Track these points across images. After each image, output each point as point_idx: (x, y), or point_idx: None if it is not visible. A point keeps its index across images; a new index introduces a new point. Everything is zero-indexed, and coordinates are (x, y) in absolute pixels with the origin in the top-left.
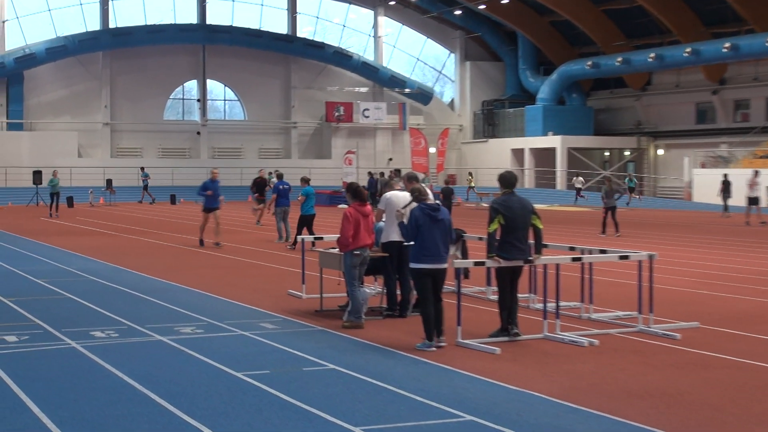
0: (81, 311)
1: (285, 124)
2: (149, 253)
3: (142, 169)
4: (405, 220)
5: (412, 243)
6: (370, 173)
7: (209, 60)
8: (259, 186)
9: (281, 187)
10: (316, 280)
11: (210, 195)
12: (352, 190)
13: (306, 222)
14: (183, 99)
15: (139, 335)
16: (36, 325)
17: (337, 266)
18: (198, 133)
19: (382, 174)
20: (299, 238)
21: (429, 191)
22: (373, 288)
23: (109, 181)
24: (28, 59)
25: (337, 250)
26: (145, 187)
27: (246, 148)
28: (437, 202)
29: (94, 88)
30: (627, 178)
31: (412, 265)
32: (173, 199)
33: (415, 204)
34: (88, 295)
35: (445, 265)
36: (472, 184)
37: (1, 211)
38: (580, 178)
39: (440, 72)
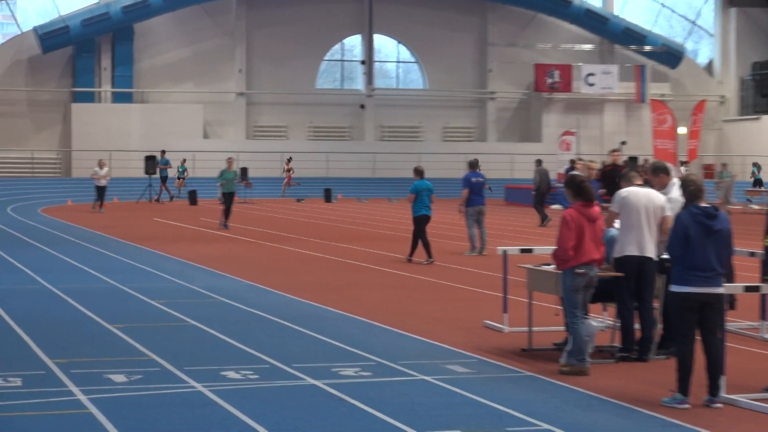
0: (209, 344)
1: (479, 95)
2: (297, 267)
3: (163, 152)
4: (616, 225)
5: (667, 257)
6: (571, 161)
7: (377, 8)
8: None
9: (474, 179)
10: (522, 308)
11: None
12: (574, 185)
13: (417, 226)
14: (342, 61)
15: (286, 377)
16: (151, 361)
17: (552, 289)
18: (362, 106)
19: (572, 162)
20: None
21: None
22: (601, 320)
23: (243, 171)
24: (140, 8)
25: (553, 267)
26: (163, 180)
27: (426, 127)
28: (713, 205)
29: (225, 46)
30: None
31: (674, 288)
32: (328, 196)
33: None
34: (217, 322)
35: (720, 290)
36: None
37: (105, 208)
38: None
39: (694, 23)
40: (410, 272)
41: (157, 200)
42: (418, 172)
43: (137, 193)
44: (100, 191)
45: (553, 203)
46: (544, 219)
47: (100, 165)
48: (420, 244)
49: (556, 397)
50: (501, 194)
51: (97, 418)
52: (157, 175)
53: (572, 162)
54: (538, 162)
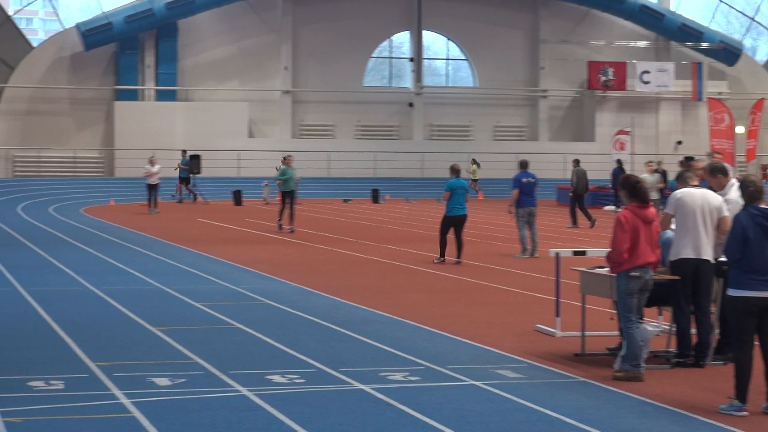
0: (254, 347)
1: (531, 93)
2: (345, 270)
3: (185, 152)
4: (672, 227)
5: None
6: (618, 162)
7: (426, 4)
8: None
9: (524, 180)
10: (575, 312)
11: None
12: (629, 185)
13: (450, 225)
14: (390, 58)
15: (333, 382)
16: (195, 365)
17: (606, 293)
18: (410, 104)
19: (619, 162)
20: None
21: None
22: (657, 325)
23: None
24: (184, 4)
25: (607, 270)
26: (183, 180)
27: (476, 126)
28: None
29: (271, 43)
30: None
31: (732, 292)
32: (376, 196)
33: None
34: (263, 325)
35: None
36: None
37: (146, 209)
38: None
39: (752, 19)
40: (460, 275)
41: (180, 201)
42: (454, 171)
43: (186, 194)
44: (152, 189)
45: (606, 204)
46: (589, 219)
47: (152, 162)
48: (441, 242)
49: (610, 403)
50: (553, 195)
51: (141, 422)
52: (178, 175)
53: (619, 162)
54: (576, 162)
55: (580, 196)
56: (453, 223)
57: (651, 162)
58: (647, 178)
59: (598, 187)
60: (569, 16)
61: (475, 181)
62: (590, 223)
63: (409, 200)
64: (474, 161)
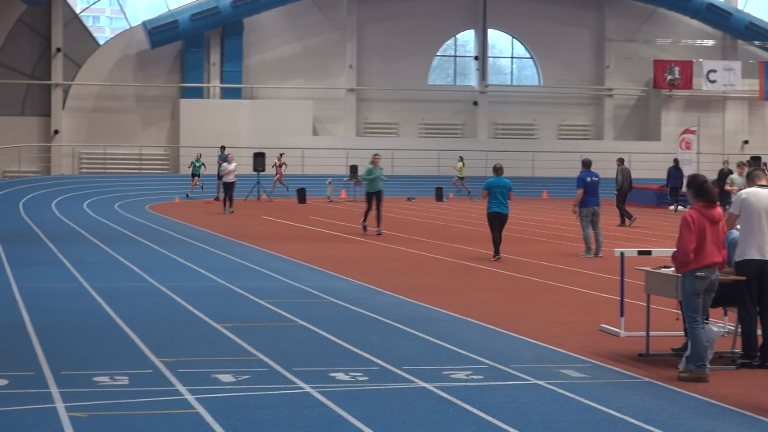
0: (317, 344)
1: (596, 92)
2: (409, 268)
3: (223, 148)
4: (738, 226)
5: None
6: (675, 161)
7: (491, 2)
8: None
9: (589, 179)
10: (640, 312)
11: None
12: (696, 185)
13: (493, 222)
14: (455, 57)
15: (396, 380)
16: (259, 361)
17: (671, 293)
18: (475, 103)
19: (675, 162)
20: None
21: None
22: (722, 325)
23: (353, 168)
24: (250, 2)
25: (672, 270)
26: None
27: (540, 125)
28: None
29: (336, 41)
30: None
31: None
32: (439, 194)
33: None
34: (327, 323)
35: None
36: None
37: (212, 205)
38: None
39: None
40: (524, 274)
41: (217, 199)
42: (496, 170)
43: (246, 191)
44: (228, 188)
45: (670, 204)
46: (629, 218)
47: (228, 159)
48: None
49: (674, 404)
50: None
51: (205, 419)
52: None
53: (675, 161)
54: (620, 161)
55: (624, 194)
56: (496, 219)
57: (743, 163)
58: (736, 179)
59: (662, 186)
60: (635, 15)
61: (461, 178)
62: (627, 222)
63: (472, 199)
64: (460, 158)
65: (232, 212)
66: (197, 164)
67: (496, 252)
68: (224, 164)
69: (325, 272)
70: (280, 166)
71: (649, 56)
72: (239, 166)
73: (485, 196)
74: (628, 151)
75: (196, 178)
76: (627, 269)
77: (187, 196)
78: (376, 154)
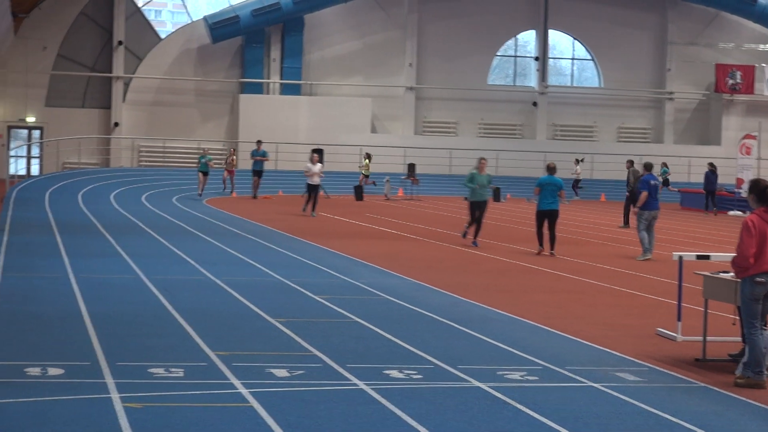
0: (372, 341)
1: (656, 95)
2: (464, 267)
3: (260, 142)
4: None
5: None
6: (711, 165)
7: (553, 3)
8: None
9: (652, 182)
10: (697, 317)
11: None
12: (758, 190)
13: (542, 219)
14: (515, 57)
15: (450, 379)
16: (313, 357)
17: (729, 298)
18: (534, 104)
19: (710, 165)
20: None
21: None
22: None
23: (411, 167)
24: None
25: (732, 274)
26: (257, 173)
27: (600, 127)
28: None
29: (397, 39)
30: None
31: None
32: (497, 195)
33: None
34: (381, 320)
35: None
36: None
37: (269, 201)
38: None
39: None
40: (580, 276)
41: (254, 197)
42: (549, 169)
43: (303, 187)
44: (312, 190)
45: (730, 209)
46: (627, 223)
47: (312, 160)
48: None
49: (731, 409)
50: (676, 198)
51: (258, 413)
52: (252, 168)
53: (711, 165)
54: (630, 162)
55: (634, 196)
56: (544, 217)
57: None
58: None
59: (725, 191)
60: (698, 18)
61: (366, 176)
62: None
63: (530, 199)
64: (367, 155)
65: (314, 216)
66: (203, 160)
67: (540, 244)
68: (308, 165)
69: (380, 269)
70: (232, 161)
71: (711, 60)
72: (296, 162)
73: (537, 193)
74: (689, 155)
75: (205, 176)
76: (685, 273)
77: (199, 195)
78: (482, 158)
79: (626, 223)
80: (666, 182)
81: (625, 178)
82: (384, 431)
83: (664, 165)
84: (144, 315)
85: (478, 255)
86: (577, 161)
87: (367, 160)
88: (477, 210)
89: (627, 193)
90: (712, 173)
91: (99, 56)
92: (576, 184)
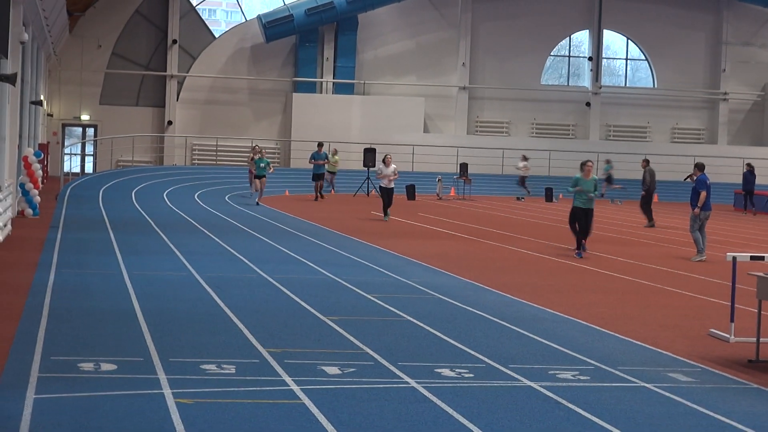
0: (424, 340)
1: (710, 96)
2: (517, 267)
3: (321, 145)
4: None
5: None
6: (749, 165)
7: (607, 3)
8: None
9: (709, 182)
10: (750, 318)
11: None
12: None
13: (576, 216)
14: (569, 57)
15: (502, 378)
16: (364, 355)
17: None
18: (587, 104)
19: (749, 166)
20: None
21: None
22: None
23: (463, 166)
24: None
25: None
26: (317, 177)
27: (653, 128)
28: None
29: (450, 39)
30: None
31: None
32: (549, 195)
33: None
34: (433, 319)
35: None
36: None
37: (324, 201)
38: None
39: None
40: (632, 276)
41: (322, 197)
42: (607, 164)
43: (356, 186)
44: (386, 194)
45: None
46: (650, 220)
47: (386, 162)
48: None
49: None
50: (730, 200)
51: (310, 410)
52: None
53: (749, 166)
54: (646, 161)
55: (650, 195)
56: (578, 214)
57: None
58: None
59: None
60: (754, 19)
61: (333, 173)
62: (649, 224)
63: (613, 201)
64: (335, 151)
65: (386, 220)
66: (262, 164)
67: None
68: (380, 166)
69: (432, 269)
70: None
71: (766, 61)
72: (349, 162)
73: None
74: (743, 156)
75: (261, 180)
76: (739, 275)
77: (257, 203)
78: (588, 161)
79: (650, 219)
80: (609, 179)
81: (640, 177)
82: (435, 430)
83: (608, 162)
84: (196, 312)
85: (529, 255)
86: (524, 158)
87: (336, 156)
88: (582, 218)
89: (643, 192)
90: (750, 173)
91: (153, 55)
92: (522, 181)
